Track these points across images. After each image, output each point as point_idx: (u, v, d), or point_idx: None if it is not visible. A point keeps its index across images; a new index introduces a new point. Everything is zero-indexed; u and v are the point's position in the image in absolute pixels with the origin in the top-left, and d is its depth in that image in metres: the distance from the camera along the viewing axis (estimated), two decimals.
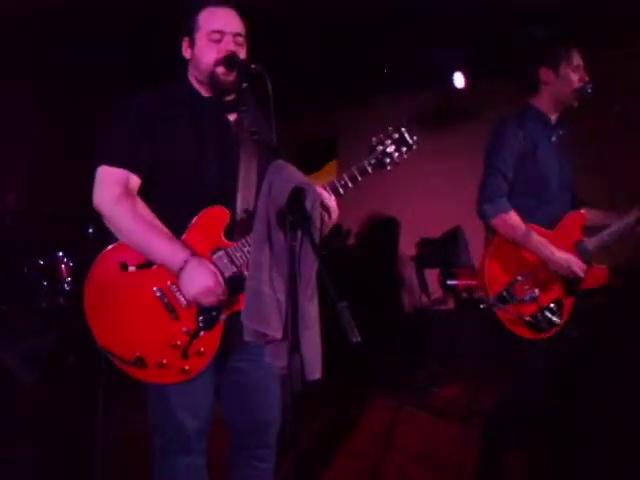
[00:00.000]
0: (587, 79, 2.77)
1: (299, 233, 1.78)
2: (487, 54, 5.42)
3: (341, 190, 2.03)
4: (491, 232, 2.81)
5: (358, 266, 6.11)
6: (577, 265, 2.71)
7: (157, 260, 1.94)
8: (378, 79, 5.98)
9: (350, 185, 2.03)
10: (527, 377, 2.77)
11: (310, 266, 1.86)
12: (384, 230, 6.22)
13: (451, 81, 5.96)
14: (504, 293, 2.69)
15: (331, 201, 2.00)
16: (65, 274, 4.59)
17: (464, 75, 5.94)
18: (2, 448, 3.49)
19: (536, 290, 2.69)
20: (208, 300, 1.91)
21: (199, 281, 1.88)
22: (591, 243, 2.82)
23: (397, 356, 5.21)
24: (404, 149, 2.09)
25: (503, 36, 5.04)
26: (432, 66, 5.80)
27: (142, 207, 1.97)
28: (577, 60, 2.80)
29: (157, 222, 1.96)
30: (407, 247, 6.18)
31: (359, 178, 2.04)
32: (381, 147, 2.06)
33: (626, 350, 3.66)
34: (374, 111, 6.28)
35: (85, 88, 5.93)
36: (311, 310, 1.92)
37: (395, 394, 4.76)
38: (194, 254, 1.91)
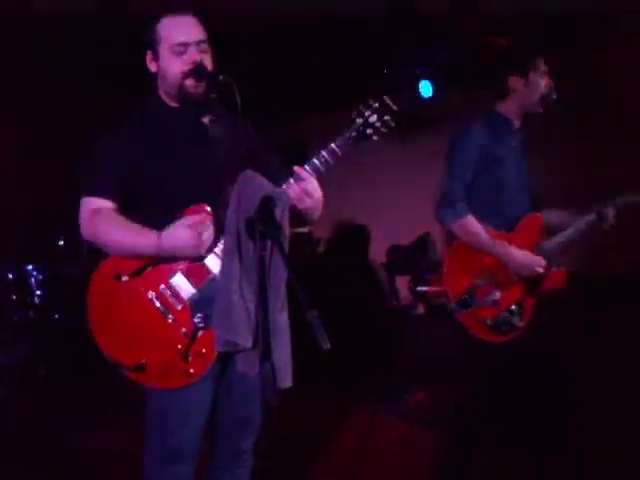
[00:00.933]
0: (552, 85, 2.81)
1: (269, 243, 1.79)
2: (455, 63, 5.48)
3: (321, 167, 2.01)
4: (452, 237, 2.80)
5: (328, 274, 6.12)
6: (536, 262, 2.72)
7: (137, 249, 1.98)
8: (347, 84, 5.99)
9: (330, 161, 2.01)
10: (485, 380, 2.77)
11: (280, 275, 1.88)
12: (354, 237, 6.24)
13: (419, 89, 6.02)
14: (466, 297, 2.70)
15: (311, 182, 2.00)
16: (35, 287, 4.54)
17: (432, 84, 6.01)
18: None
19: (497, 293, 2.72)
20: (198, 243, 1.93)
21: (180, 237, 1.92)
22: (550, 244, 2.83)
23: (369, 362, 5.22)
24: (387, 117, 2.05)
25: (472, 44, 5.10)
26: (400, 74, 5.84)
27: (111, 213, 2.03)
28: (543, 67, 2.83)
29: (126, 221, 2.01)
30: (378, 254, 6.21)
31: (339, 153, 2.01)
32: (361, 119, 2.05)
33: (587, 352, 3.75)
34: (344, 116, 6.31)
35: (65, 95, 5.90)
36: (281, 319, 1.94)
37: (367, 400, 4.78)
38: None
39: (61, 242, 4.38)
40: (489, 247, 2.72)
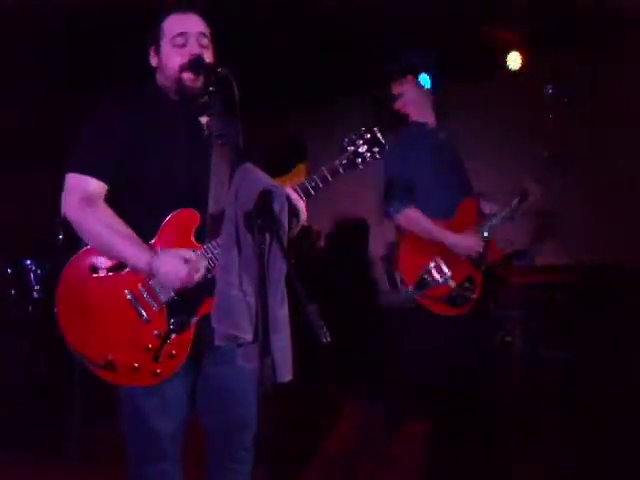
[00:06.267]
0: None
1: (267, 236, 1.78)
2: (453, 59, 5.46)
3: (312, 191, 2.02)
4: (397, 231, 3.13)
5: (328, 267, 6.12)
6: (473, 242, 3.04)
7: (122, 261, 1.94)
8: (346, 83, 5.98)
9: (321, 186, 2.02)
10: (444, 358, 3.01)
11: (279, 268, 1.86)
12: (354, 232, 6.24)
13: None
14: (421, 279, 2.96)
15: (300, 203, 1.99)
16: (34, 282, 4.53)
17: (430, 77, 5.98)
18: None
19: (448, 272, 2.99)
20: (189, 280, 1.91)
21: (172, 270, 1.89)
22: (485, 224, 3.14)
23: (369, 354, 5.22)
24: (376, 149, 2.06)
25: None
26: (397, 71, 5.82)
27: (105, 211, 1.97)
28: None
29: (121, 225, 1.95)
30: (376, 248, 6.21)
31: (330, 179, 2.02)
32: (352, 147, 2.04)
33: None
34: (342, 115, 6.31)
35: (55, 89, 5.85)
36: (281, 312, 1.92)
37: (367, 393, 4.78)
38: (156, 253, 1.91)
39: (60, 236, 4.37)
40: (430, 233, 3.02)
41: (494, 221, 3.14)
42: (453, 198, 3.14)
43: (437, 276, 2.98)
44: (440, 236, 3.01)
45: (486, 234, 3.10)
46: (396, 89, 3.21)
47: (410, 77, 3.27)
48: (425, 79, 5.94)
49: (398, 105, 3.18)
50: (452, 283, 2.99)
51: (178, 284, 1.92)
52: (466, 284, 3.03)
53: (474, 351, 3.11)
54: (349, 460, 3.58)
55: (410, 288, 2.97)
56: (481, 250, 3.05)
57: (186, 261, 1.91)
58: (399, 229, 3.11)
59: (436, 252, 3.02)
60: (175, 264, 1.89)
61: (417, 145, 3.11)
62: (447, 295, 2.98)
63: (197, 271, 1.92)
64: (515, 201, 3.16)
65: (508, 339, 4.63)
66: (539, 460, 3.36)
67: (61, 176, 2.01)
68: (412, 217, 3.02)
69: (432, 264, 3.00)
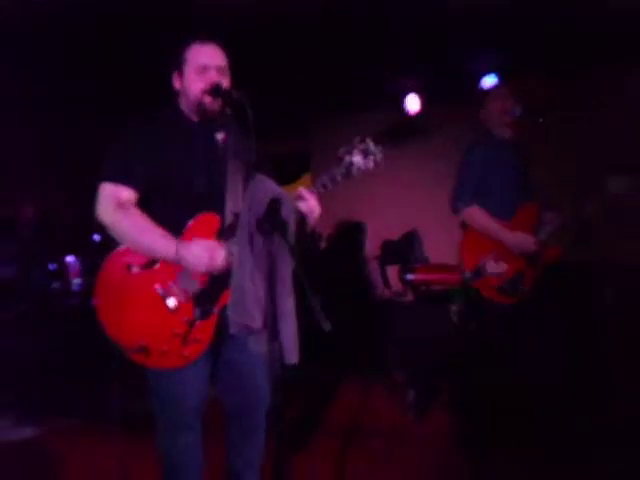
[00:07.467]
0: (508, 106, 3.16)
1: (276, 238, 1.81)
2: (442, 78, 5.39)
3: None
4: (464, 225, 3.17)
5: (329, 265, 6.14)
6: (528, 241, 3.07)
7: (154, 254, 1.97)
8: (348, 98, 5.94)
9: (322, 191, 2.06)
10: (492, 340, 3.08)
11: (287, 266, 1.89)
12: (352, 233, 6.26)
13: (404, 103, 5.99)
14: (478, 268, 3.06)
15: (312, 200, 2.03)
16: (74, 276, 4.58)
17: (419, 98, 5.97)
18: None
19: (503, 265, 3.06)
20: (212, 265, 1.95)
21: (197, 255, 1.94)
22: (543, 230, 3.16)
23: (365, 343, 5.23)
24: (370, 158, 2.06)
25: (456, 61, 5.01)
26: (392, 88, 5.80)
27: (134, 213, 1.99)
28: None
29: (149, 223, 1.98)
30: (372, 248, 6.23)
31: (329, 186, 2.05)
32: (348, 157, 2.05)
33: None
34: (345, 128, 6.31)
35: (87, 109, 5.88)
36: (288, 303, 1.94)
37: (364, 377, 4.80)
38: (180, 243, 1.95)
39: (97, 237, 4.44)
40: (491, 230, 3.09)
41: (552, 227, 3.16)
42: (514, 202, 3.18)
43: (493, 268, 3.06)
44: (497, 233, 3.08)
45: (543, 237, 3.14)
46: (494, 98, 3.24)
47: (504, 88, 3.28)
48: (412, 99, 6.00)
49: (487, 114, 3.24)
50: (504, 275, 3.06)
51: (203, 268, 1.95)
52: (518, 278, 3.08)
53: (521, 338, 3.16)
54: (348, 433, 3.61)
55: (468, 273, 3.07)
56: (534, 248, 3.08)
57: (208, 249, 1.94)
58: (464, 223, 3.19)
59: (494, 247, 3.08)
60: (200, 250, 1.94)
61: (488, 154, 3.19)
62: (498, 285, 3.06)
63: (217, 259, 1.95)
64: (566, 213, 3.18)
65: None
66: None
67: (95, 185, 2.03)
68: (475, 214, 3.11)
69: (489, 257, 3.07)
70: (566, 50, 4.49)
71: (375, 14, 4.13)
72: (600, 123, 4.80)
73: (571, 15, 3.92)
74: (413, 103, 5.92)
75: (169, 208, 2.03)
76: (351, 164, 2.05)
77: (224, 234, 2.01)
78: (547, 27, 4.12)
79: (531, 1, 3.82)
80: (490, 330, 3.12)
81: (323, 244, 6.51)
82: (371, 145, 2.07)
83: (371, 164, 2.07)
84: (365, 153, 2.06)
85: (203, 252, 1.94)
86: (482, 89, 5.07)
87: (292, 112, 6.26)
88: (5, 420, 3.76)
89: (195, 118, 2.12)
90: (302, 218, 2.04)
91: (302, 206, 2.01)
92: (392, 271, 5.91)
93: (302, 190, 2.02)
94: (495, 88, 3.25)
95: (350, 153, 2.06)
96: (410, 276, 5.39)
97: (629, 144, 4.53)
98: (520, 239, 3.08)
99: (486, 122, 3.27)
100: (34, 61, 4.65)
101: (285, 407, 1.72)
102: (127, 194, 2.00)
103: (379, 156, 2.08)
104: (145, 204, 2.03)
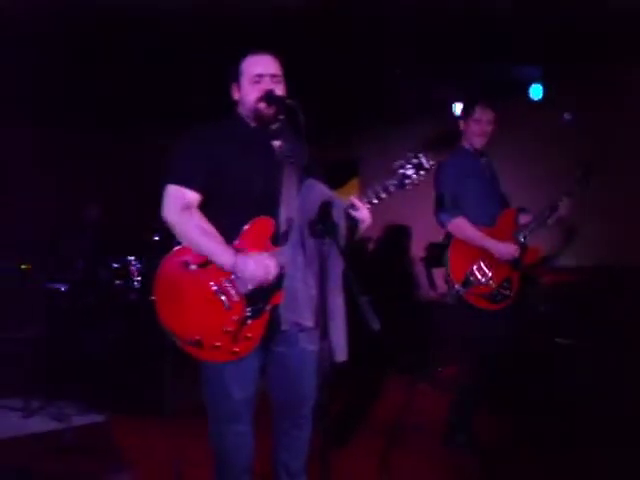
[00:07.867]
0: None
1: (327, 239, 1.82)
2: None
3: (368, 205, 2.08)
4: (449, 236, 3.16)
5: (377, 266, 6.13)
6: (510, 249, 3.05)
7: (209, 257, 1.99)
8: (395, 106, 5.90)
9: (375, 202, 2.07)
10: (489, 344, 3.07)
11: (337, 266, 1.92)
12: (398, 236, 6.23)
13: (452, 110, 5.91)
14: (466, 279, 3.04)
15: (364, 211, 2.04)
16: (135, 274, 4.71)
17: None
18: None
19: (489, 273, 3.05)
20: (265, 281, 1.96)
21: (251, 272, 1.94)
22: (521, 233, 3.16)
23: (410, 341, 5.20)
24: (422, 172, 2.07)
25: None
26: (439, 95, 5.73)
27: (199, 217, 2.03)
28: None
29: (211, 229, 2.01)
30: (417, 250, 6.18)
31: (383, 196, 2.06)
32: (402, 170, 2.06)
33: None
34: (391, 136, 6.29)
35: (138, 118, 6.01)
36: (338, 303, 1.96)
37: (409, 373, 4.77)
38: (238, 254, 1.97)
39: (155, 237, 4.56)
40: (476, 240, 3.07)
41: (528, 229, 3.17)
42: (494, 209, 3.19)
43: (480, 277, 3.04)
44: (483, 242, 3.06)
45: (522, 240, 3.13)
46: (478, 114, 3.20)
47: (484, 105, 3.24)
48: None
49: (473, 128, 3.21)
50: (492, 284, 3.04)
51: (255, 283, 1.97)
52: (504, 284, 3.07)
53: (511, 338, 3.18)
54: (392, 429, 3.59)
55: (457, 286, 3.03)
56: (517, 255, 3.08)
57: (263, 265, 1.96)
58: (449, 235, 3.15)
59: (479, 256, 3.06)
60: (254, 267, 1.94)
61: (465, 166, 3.18)
62: (488, 293, 3.04)
63: (271, 273, 1.97)
64: (546, 212, 3.17)
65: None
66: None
67: (158, 189, 2.08)
68: (460, 225, 3.08)
69: (475, 266, 3.05)
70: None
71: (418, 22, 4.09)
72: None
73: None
74: (459, 111, 5.82)
75: (227, 211, 2.06)
76: (404, 177, 2.06)
77: (279, 239, 2.03)
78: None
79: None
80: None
81: (371, 246, 6.51)
82: (424, 160, 2.07)
83: (422, 177, 2.08)
84: (418, 168, 2.07)
85: (258, 268, 1.95)
86: (531, 99, 4.99)
87: (341, 119, 6.26)
88: (70, 408, 3.88)
89: (252, 124, 2.16)
90: (353, 225, 2.04)
91: (354, 214, 2.02)
92: (437, 273, 5.85)
93: (355, 200, 2.03)
94: (481, 107, 3.19)
95: (404, 167, 2.06)
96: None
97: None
98: (506, 247, 3.05)
99: (465, 131, 3.25)
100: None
101: (331, 404, 1.71)
102: (190, 196, 2.04)
103: (431, 170, 2.10)
104: (204, 206, 2.08)
